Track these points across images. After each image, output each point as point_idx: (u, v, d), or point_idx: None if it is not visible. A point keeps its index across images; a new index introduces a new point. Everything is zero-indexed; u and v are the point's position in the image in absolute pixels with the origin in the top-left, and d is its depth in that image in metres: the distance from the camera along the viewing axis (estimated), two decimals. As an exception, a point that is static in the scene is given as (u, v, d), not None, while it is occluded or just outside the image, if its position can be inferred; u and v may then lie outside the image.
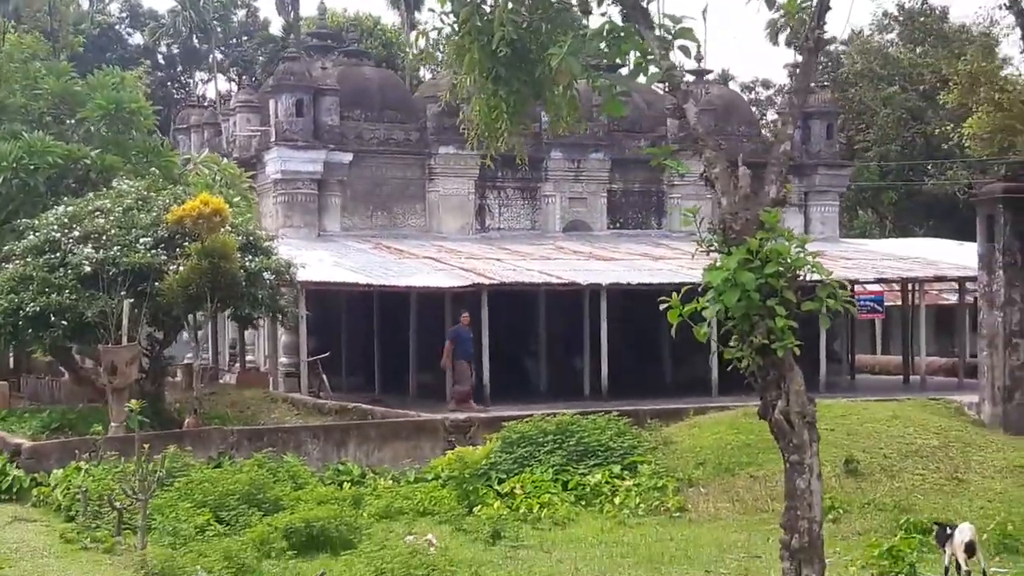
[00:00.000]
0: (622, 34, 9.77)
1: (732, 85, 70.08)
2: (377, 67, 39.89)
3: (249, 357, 33.74)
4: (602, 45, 9.67)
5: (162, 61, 65.73)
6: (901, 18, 52.77)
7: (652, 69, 9.72)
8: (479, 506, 16.29)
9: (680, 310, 9.32)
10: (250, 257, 20.87)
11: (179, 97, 59.81)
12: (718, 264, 9.13)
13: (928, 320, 44.87)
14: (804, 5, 9.64)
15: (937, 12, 52.09)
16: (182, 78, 67.21)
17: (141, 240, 20.45)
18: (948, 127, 20.83)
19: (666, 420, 20.16)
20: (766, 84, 61.89)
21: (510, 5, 9.73)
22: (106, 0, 65.89)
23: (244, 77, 62.22)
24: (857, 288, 38.25)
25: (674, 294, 9.47)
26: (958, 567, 11.73)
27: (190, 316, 21.20)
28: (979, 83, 18.04)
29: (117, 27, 64.85)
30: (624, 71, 11.95)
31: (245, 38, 64.95)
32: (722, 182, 9.36)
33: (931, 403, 21.46)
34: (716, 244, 9.35)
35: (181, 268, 19.82)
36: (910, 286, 33.52)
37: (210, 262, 19.62)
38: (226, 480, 15.90)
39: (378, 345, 31.10)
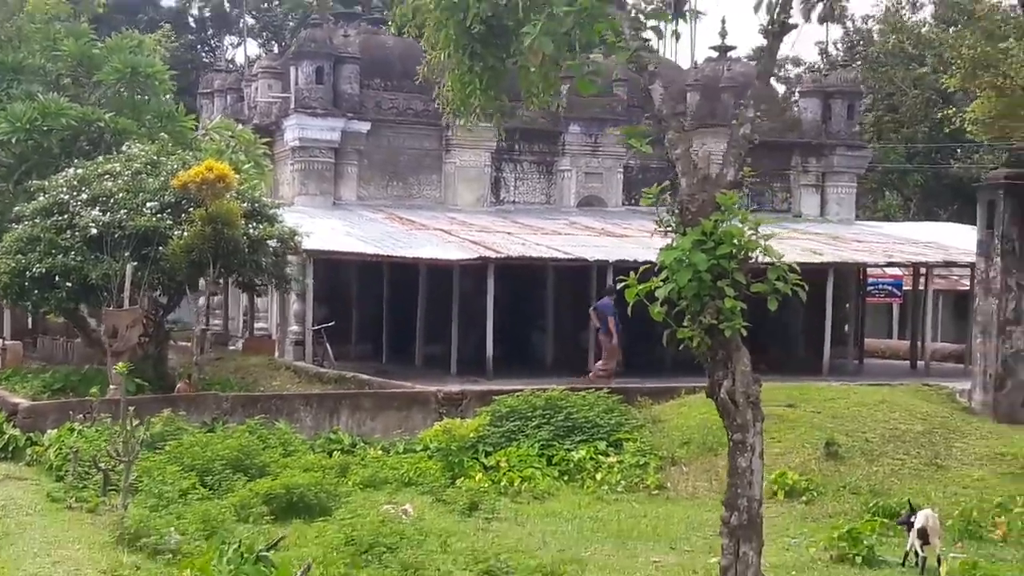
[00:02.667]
0: (595, 14, 9.86)
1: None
2: (399, 36, 39.89)
3: (263, 324, 34.06)
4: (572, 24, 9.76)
5: (193, 25, 65.91)
6: (935, -3, 52.20)
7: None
8: (463, 478, 16.46)
9: (636, 289, 9.47)
10: (254, 224, 21.07)
11: (208, 61, 59.98)
12: (674, 244, 9.26)
13: (947, 306, 44.76)
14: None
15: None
16: (212, 42, 67.39)
17: (147, 204, 20.68)
18: (951, 111, 20.83)
19: (658, 399, 20.27)
20: (796, 62, 61.48)
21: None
22: (139, -37, 65.97)
23: (275, 42, 62.29)
24: (876, 272, 38.34)
25: (631, 273, 9.63)
26: (916, 551, 11.83)
27: (195, 281, 21.44)
28: (981, 67, 17.95)
29: (149, -11, 64.99)
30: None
31: (277, 3, 65.00)
32: (683, 163, 9.48)
33: (923, 389, 21.48)
34: (673, 224, 9.50)
35: (185, 233, 20.04)
36: (921, 270, 33.35)
37: (213, 228, 19.85)
38: (215, 445, 16.12)
39: (387, 315, 31.34)
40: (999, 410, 20.07)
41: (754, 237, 9.02)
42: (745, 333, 9.00)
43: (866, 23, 58.62)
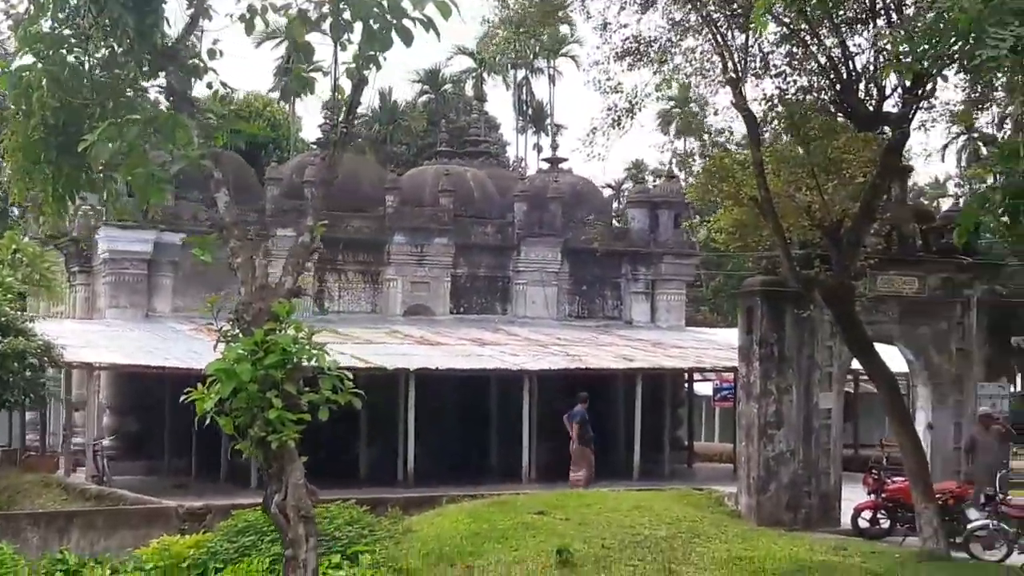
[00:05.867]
0: (170, 122, 9.76)
1: (636, 173, 71.15)
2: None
3: (81, 439, 33.17)
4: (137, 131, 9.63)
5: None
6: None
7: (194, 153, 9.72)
8: (186, 597, 15.91)
9: (201, 399, 9.22)
10: (0, 338, 20.57)
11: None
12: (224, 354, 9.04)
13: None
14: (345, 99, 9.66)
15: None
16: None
17: None
18: (695, 221, 21.28)
19: (418, 508, 20.00)
20: (657, 173, 62.44)
21: (47, 88, 9.67)
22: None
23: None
24: (729, 376, 38.49)
25: (199, 384, 9.38)
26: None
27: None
28: (717, 178, 18.20)
29: None
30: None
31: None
32: (243, 272, 9.32)
33: (693, 493, 21.37)
34: (233, 334, 9.28)
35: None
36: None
37: (-45, 343, 19.34)
38: (-90, 570, 15.45)
39: (196, 429, 30.59)
40: (762, 513, 20.00)
41: (305, 345, 8.84)
42: (295, 443, 8.77)
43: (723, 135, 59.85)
